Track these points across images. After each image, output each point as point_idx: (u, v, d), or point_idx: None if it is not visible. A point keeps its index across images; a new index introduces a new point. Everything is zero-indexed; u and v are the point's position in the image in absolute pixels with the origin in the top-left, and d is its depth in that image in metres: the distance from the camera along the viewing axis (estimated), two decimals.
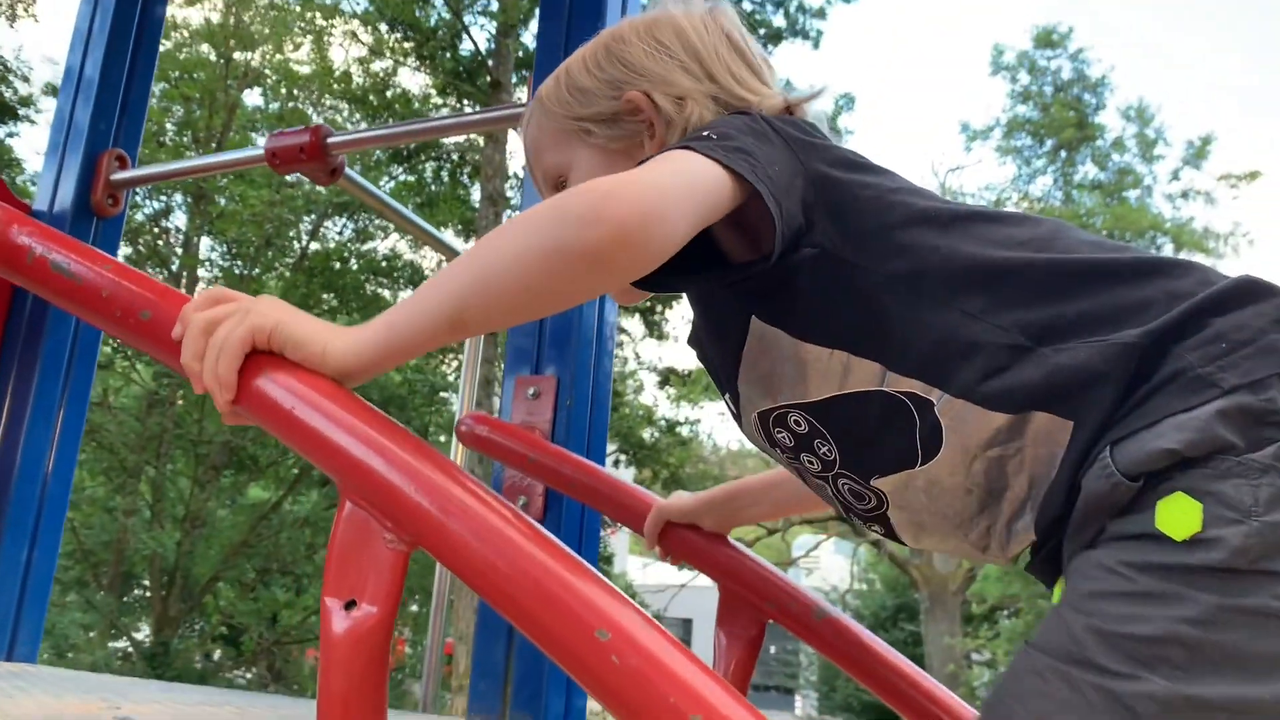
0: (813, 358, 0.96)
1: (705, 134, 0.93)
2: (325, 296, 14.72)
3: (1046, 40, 19.64)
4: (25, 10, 13.63)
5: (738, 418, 1.09)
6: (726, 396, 1.10)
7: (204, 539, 14.06)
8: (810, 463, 1.04)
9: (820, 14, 16.02)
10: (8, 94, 13.59)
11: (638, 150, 1.08)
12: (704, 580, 1.63)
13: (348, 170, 2.23)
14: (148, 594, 14.92)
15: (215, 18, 15.14)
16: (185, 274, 14.81)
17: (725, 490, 1.43)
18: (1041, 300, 0.88)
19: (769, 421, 1.04)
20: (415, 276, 15.13)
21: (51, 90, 14.51)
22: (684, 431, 15.92)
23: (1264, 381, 0.80)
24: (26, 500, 2.30)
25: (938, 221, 0.94)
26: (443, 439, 15.29)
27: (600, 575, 0.68)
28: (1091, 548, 0.83)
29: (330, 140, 2.13)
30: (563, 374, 1.85)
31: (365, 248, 15.28)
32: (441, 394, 14.60)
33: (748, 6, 15.62)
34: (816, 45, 16.19)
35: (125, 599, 15.19)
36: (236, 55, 15.18)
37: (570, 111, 1.11)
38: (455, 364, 15.87)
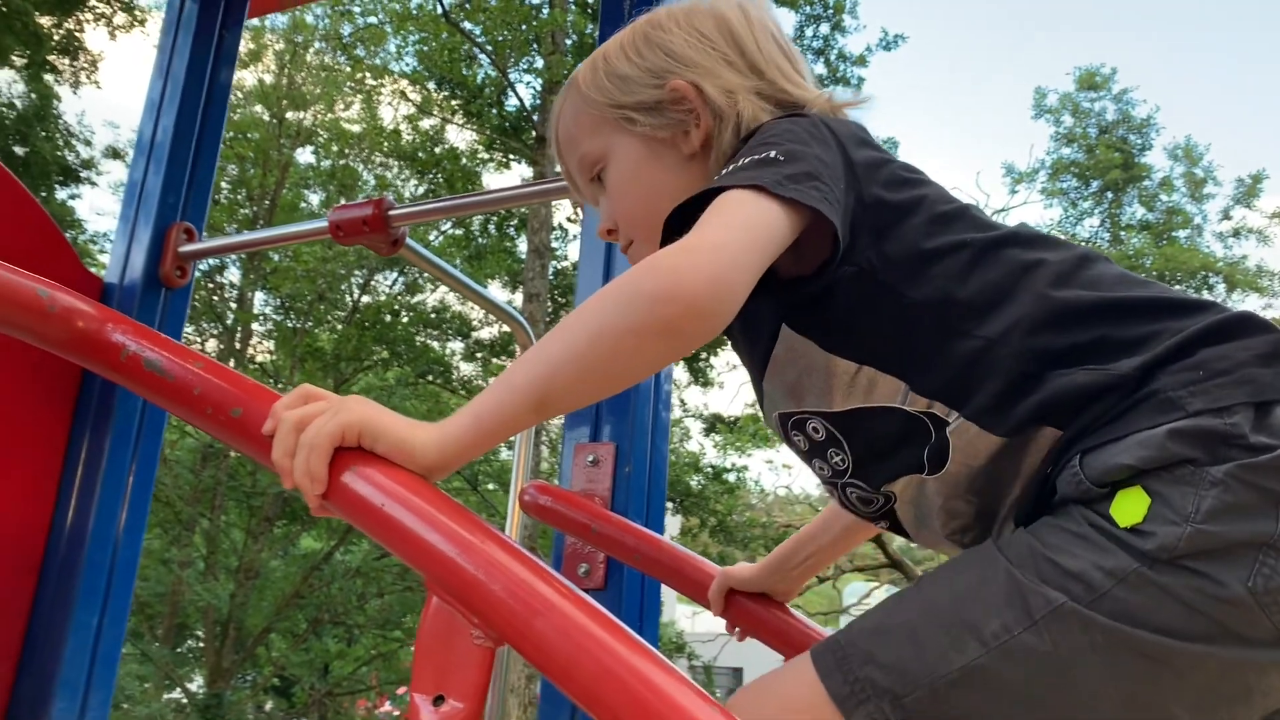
0: (840, 370, 0.98)
1: (772, 154, 0.93)
2: (376, 349, 14.93)
3: (1090, 82, 19.59)
4: (88, 77, 14.12)
5: (761, 408, 1.12)
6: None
7: (257, 590, 14.19)
8: (821, 469, 1.06)
9: (861, 61, 16.13)
10: (71, 158, 14.03)
11: (682, 139, 1.07)
12: None
13: (409, 241, 2.28)
14: (202, 645, 15.06)
15: (269, 79, 15.58)
16: (240, 329, 15.10)
17: (782, 549, 1.43)
18: (1060, 331, 0.92)
19: (789, 424, 1.06)
20: (463, 327, 15.30)
21: (112, 153, 14.98)
22: (731, 478, 15.83)
23: (1231, 408, 0.85)
24: (98, 567, 2.35)
25: (973, 248, 0.96)
26: (491, 487, 15.35)
27: (686, 676, 0.69)
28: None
29: (392, 213, 2.18)
30: (621, 440, 1.86)
31: (415, 300, 15.49)
32: None
33: None
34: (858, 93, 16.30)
35: (179, 650, 15.34)
36: (289, 115, 15.57)
37: (611, 99, 1.09)
38: None
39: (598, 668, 0.69)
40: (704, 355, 14.72)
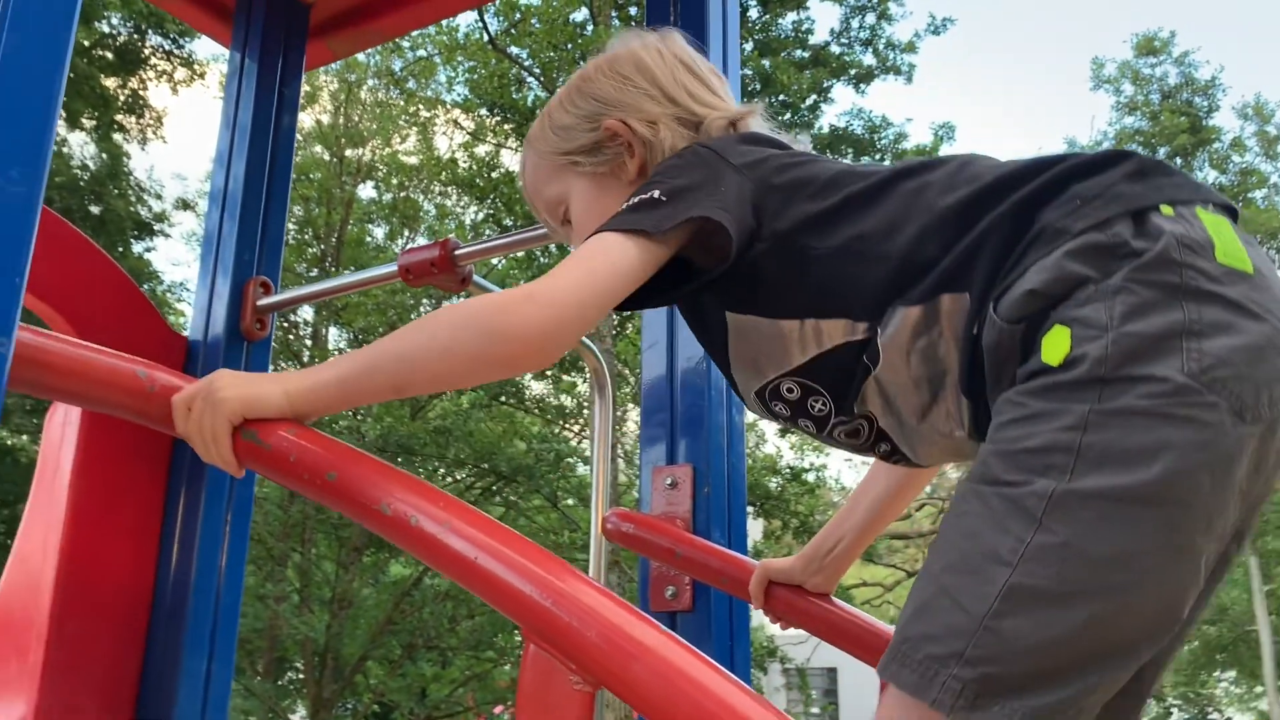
0: (788, 330, 1.11)
1: (655, 194, 1.09)
2: None
3: (1148, 48, 19.11)
4: (154, 133, 14.59)
5: (740, 394, 1.23)
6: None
7: (351, 619, 14.47)
8: (807, 425, 1.17)
9: (910, 48, 15.95)
10: (144, 212, 14.50)
11: (621, 170, 1.23)
12: None
13: (475, 277, 2.33)
14: (302, 676, 15.39)
15: (326, 119, 15.93)
16: (316, 363, 15.42)
17: (817, 539, 1.49)
18: (953, 226, 1.03)
19: (765, 396, 1.17)
20: None
21: (182, 204, 15.45)
22: (810, 478, 15.74)
23: (1109, 220, 0.94)
24: (202, 614, 2.43)
25: (865, 194, 1.10)
26: (570, 502, 15.46)
27: (781, 712, 0.71)
28: (1004, 392, 0.96)
29: (458, 252, 2.23)
30: (698, 461, 1.88)
31: None
32: (568, 460, 14.79)
33: (836, 49, 15.68)
34: (910, 80, 16.11)
35: (281, 683, 15.70)
36: (348, 152, 15.91)
37: (558, 148, 1.26)
38: (577, 427, 16.07)
39: (695, 710, 0.72)
40: None
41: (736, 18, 2.30)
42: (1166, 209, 0.95)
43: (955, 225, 1.02)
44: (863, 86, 15.95)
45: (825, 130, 15.71)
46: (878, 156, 15.97)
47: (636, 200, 1.09)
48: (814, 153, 1.24)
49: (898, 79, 16.11)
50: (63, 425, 2.33)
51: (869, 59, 15.90)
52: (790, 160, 1.17)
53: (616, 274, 1.04)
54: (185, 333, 2.69)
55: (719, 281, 1.11)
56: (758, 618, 1.83)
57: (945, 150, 16.04)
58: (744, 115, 1.27)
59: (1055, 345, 0.90)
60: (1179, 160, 18.51)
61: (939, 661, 0.85)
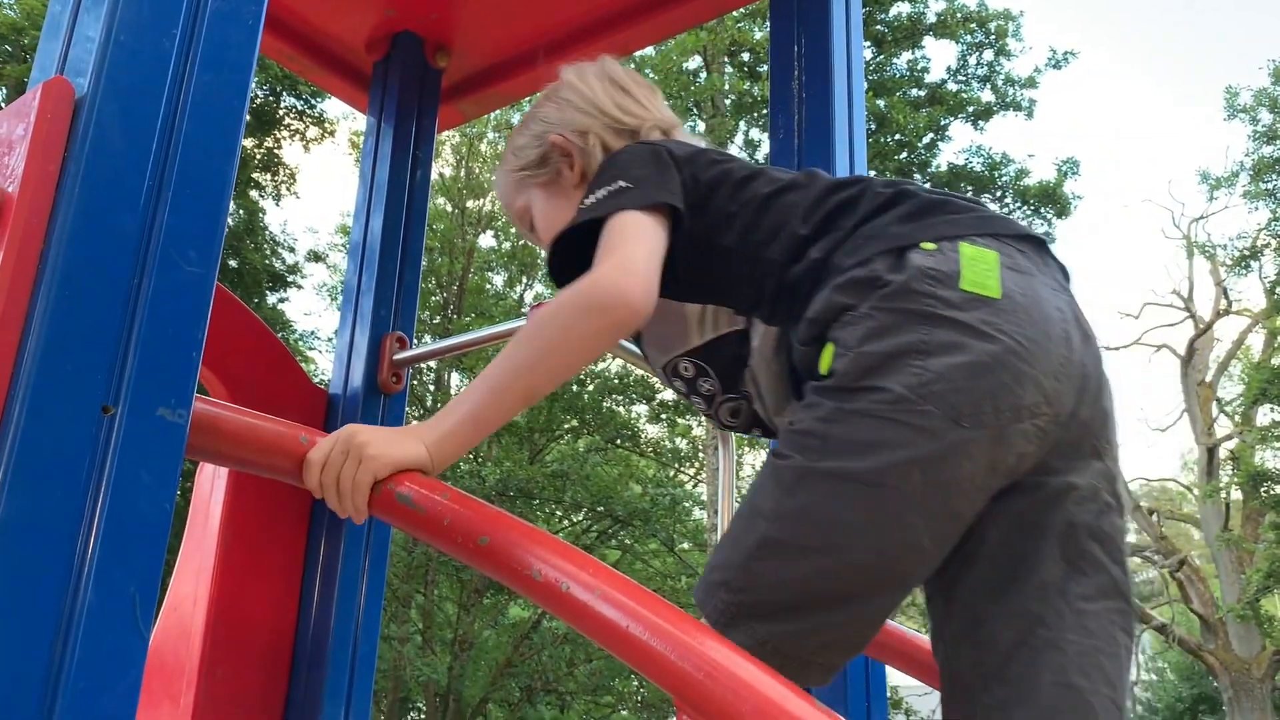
0: (690, 314, 1.33)
1: (621, 184, 1.24)
2: (565, 418, 15.33)
3: None
4: (288, 189, 15.29)
5: (650, 363, 1.45)
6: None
7: (472, 660, 14.64)
8: (698, 402, 1.40)
9: (1030, 83, 15.64)
10: (278, 265, 15.16)
11: (565, 177, 1.44)
12: None
13: None
14: (424, 718, 15.62)
15: (448, 171, 16.44)
16: (439, 407, 15.79)
17: None
18: (800, 252, 1.21)
19: (669, 371, 1.39)
20: (647, 390, 15.52)
21: (314, 256, 16.10)
22: None
23: (871, 259, 1.13)
24: (341, 663, 2.50)
25: (758, 200, 1.26)
26: (686, 546, 15.39)
27: None
28: None
29: None
30: None
31: (599, 368, 15.85)
32: (683, 504, 14.76)
33: (953, 87, 15.48)
34: (1030, 115, 15.78)
35: None
36: (469, 203, 16.37)
37: (515, 166, 1.49)
38: (692, 471, 16.03)
39: None
40: None
41: (861, 60, 2.30)
42: (928, 245, 1.12)
43: (799, 251, 1.21)
44: (981, 123, 15.69)
45: (944, 169, 15.47)
46: (998, 194, 15.63)
47: (606, 192, 1.25)
48: (733, 155, 1.42)
49: (1018, 114, 15.80)
50: (212, 478, 2.44)
51: (987, 95, 15.65)
52: (718, 156, 1.34)
53: (656, 236, 1.21)
54: (320, 383, 2.80)
55: None
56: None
57: (1069, 185, 15.62)
58: (675, 125, 1.48)
59: (825, 359, 1.11)
60: None
61: (716, 586, 1.06)
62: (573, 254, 1.23)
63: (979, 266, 1.09)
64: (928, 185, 1.47)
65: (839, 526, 1.03)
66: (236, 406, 1.06)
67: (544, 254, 1.42)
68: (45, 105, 0.94)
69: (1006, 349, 1.04)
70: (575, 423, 15.45)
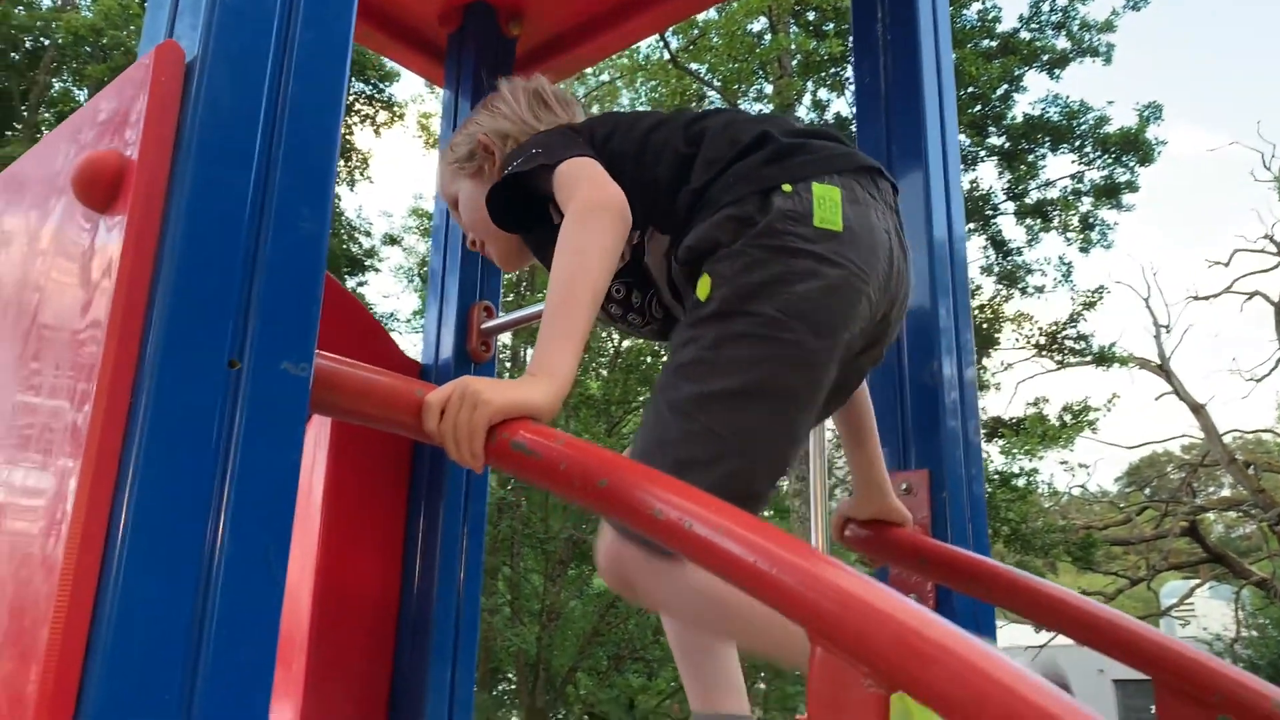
0: None
1: (537, 152, 1.45)
2: (640, 389, 15.37)
3: None
4: (361, 174, 15.50)
5: None
6: None
7: (560, 630, 14.84)
8: (633, 319, 1.59)
9: (1108, 27, 15.11)
10: (355, 249, 15.41)
11: (487, 170, 1.67)
12: (1062, 640, 1.72)
13: None
14: (514, 687, 15.90)
15: None
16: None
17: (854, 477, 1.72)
18: (700, 173, 1.40)
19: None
20: None
21: (389, 240, 16.32)
22: (1019, 483, 15.03)
23: (743, 198, 1.33)
24: (445, 625, 2.55)
25: (641, 135, 1.48)
26: (768, 514, 15.34)
27: (1093, 713, 0.68)
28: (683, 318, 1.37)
29: None
30: (934, 465, 1.84)
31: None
32: None
33: (1026, 35, 15.04)
34: (1108, 61, 15.26)
35: (495, 693, 16.26)
36: None
37: (451, 160, 1.73)
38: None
39: (1004, 711, 0.69)
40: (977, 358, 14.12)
41: (947, 18, 2.25)
42: (786, 187, 1.33)
43: (683, 168, 1.41)
44: (1057, 72, 15.22)
45: (1019, 120, 15.06)
46: (1077, 143, 15.18)
47: (523, 159, 1.46)
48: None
49: (1095, 60, 15.29)
50: (314, 449, 2.50)
51: (1062, 42, 15.16)
52: (610, 116, 1.59)
53: (595, 167, 1.39)
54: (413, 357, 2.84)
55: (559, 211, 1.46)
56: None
57: (1152, 131, 15.09)
58: (571, 121, 1.69)
59: (703, 287, 1.30)
60: None
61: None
62: (498, 212, 1.51)
63: (826, 204, 1.32)
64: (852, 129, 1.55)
65: (742, 434, 1.23)
66: (354, 361, 1.08)
67: (462, 231, 1.81)
68: (159, 69, 0.96)
69: (850, 273, 1.29)
70: (648, 395, 15.47)
